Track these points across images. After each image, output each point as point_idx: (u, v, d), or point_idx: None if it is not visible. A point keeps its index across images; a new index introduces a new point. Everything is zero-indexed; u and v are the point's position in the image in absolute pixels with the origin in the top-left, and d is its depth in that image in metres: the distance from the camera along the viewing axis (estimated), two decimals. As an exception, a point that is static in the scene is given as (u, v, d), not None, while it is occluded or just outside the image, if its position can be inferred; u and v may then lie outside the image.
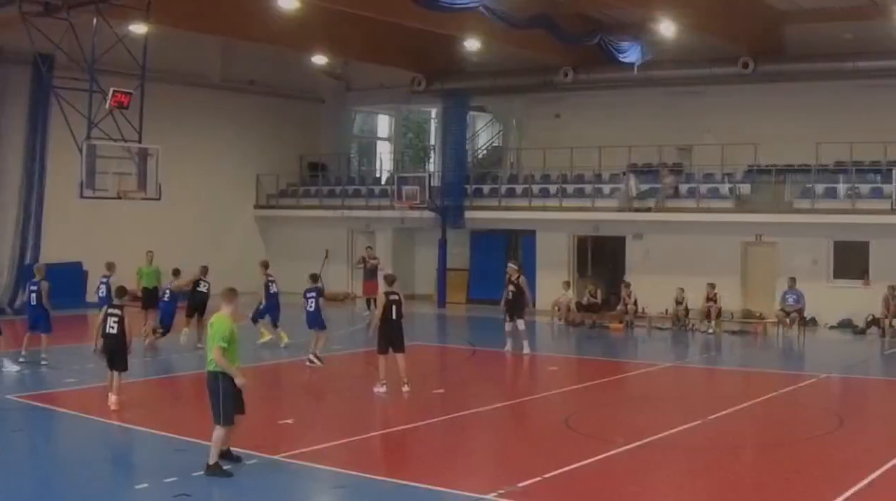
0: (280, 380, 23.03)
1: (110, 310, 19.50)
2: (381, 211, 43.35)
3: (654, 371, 26.48)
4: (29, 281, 26.22)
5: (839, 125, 35.28)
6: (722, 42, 35.58)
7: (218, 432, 14.57)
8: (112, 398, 19.29)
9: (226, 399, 14.50)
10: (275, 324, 28.32)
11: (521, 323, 28.14)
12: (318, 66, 45.25)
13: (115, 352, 19.37)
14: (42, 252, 35.52)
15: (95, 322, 20.15)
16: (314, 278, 26.20)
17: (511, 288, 28.40)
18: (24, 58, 34.88)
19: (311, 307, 25.16)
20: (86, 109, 30.03)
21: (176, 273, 28.98)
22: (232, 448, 15.00)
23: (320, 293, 25.70)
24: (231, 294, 15.09)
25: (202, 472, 14.47)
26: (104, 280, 26.94)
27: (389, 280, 22.57)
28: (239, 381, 14.50)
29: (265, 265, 29.53)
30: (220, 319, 14.68)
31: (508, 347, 28.22)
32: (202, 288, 28.39)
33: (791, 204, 35.39)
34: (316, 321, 25.26)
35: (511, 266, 29.17)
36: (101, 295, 26.73)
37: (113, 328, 19.24)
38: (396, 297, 21.60)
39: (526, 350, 27.97)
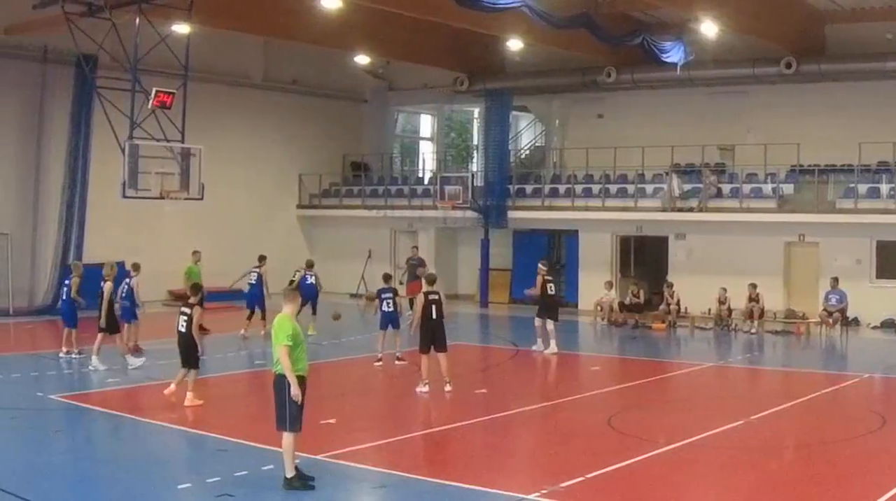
0: (323, 380, 23.00)
1: (182, 309, 19.92)
2: (423, 210, 43.29)
3: (696, 371, 26.39)
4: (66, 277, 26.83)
5: (882, 125, 34.98)
6: (763, 42, 35.41)
7: (286, 439, 14.05)
8: (188, 395, 19.78)
9: (291, 403, 13.94)
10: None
11: (537, 321, 28.48)
12: (361, 66, 45.33)
13: (186, 350, 19.77)
14: (84, 251, 35.57)
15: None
16: (388, 278, 26.39)
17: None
18: (67, 58, 35.21)
19: (388, 307, 25.22)
20: (128, 109, 30.24)
21: (261, 259, 30.87)
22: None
23: (396, 293, 25.95)
24: (293, 294, 15.00)
25: (282, 484, 14.01)
26: (128, 280, 26.00)
27: (430, 279, 22.57)
28: (293, 390, 13.86)
29: (311, 265, 31.57)
30: (282, 319, 14.27)
31: (552, 347, 28.10)
32: (295, 277, 31.09)
33: (834, 204, 35.16)
34: (394, 321, 25.35)
35: (539, 265, 29.14)
36: (122, 295, 25.62)
37: (183, 326, 19.68)
38: (436, 297, 21.68)
39: (538, 347, 28.32)
